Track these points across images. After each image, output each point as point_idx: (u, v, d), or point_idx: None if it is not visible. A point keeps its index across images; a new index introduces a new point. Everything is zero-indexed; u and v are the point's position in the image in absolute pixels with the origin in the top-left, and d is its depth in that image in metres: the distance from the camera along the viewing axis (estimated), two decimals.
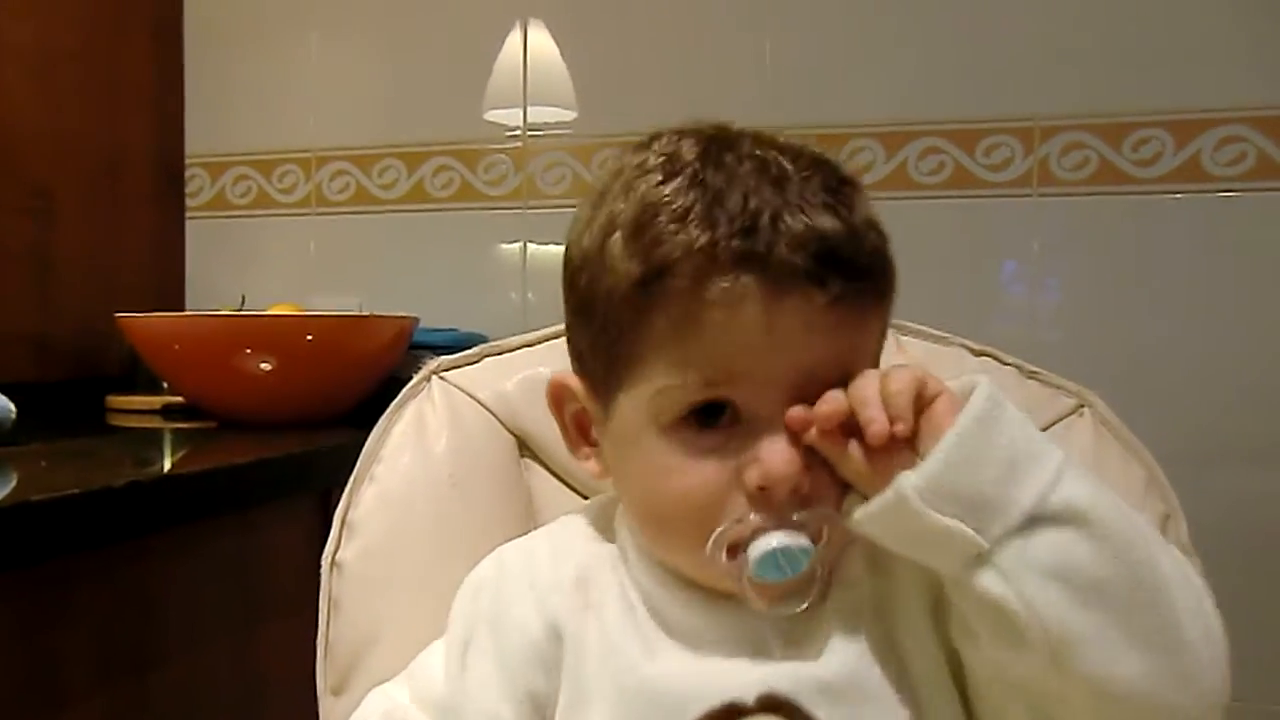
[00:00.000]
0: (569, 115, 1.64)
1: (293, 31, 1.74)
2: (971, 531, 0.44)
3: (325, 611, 0.63)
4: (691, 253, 0.47)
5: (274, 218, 1.75)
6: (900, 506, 0.44)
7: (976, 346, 0.69)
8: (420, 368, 1.48)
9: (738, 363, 0.48)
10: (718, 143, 0.51)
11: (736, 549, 0.48)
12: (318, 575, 1.11)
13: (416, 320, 1.40)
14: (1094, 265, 1.48)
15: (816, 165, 0.50)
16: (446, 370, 0.70)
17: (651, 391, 0.50)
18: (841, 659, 0.49)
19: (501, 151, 1.66)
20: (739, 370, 0.48)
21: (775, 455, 0.47)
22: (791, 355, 0.48)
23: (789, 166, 0.49)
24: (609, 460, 0.55)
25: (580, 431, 0.57)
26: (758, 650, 0.50)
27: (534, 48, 1.65)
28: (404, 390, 0.69)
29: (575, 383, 0.56)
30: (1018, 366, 0.69)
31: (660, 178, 0.49)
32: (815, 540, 0.48)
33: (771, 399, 0.48)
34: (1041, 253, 1.51)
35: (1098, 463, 0.64)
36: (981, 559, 0.44)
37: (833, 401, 0.47)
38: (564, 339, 0.69)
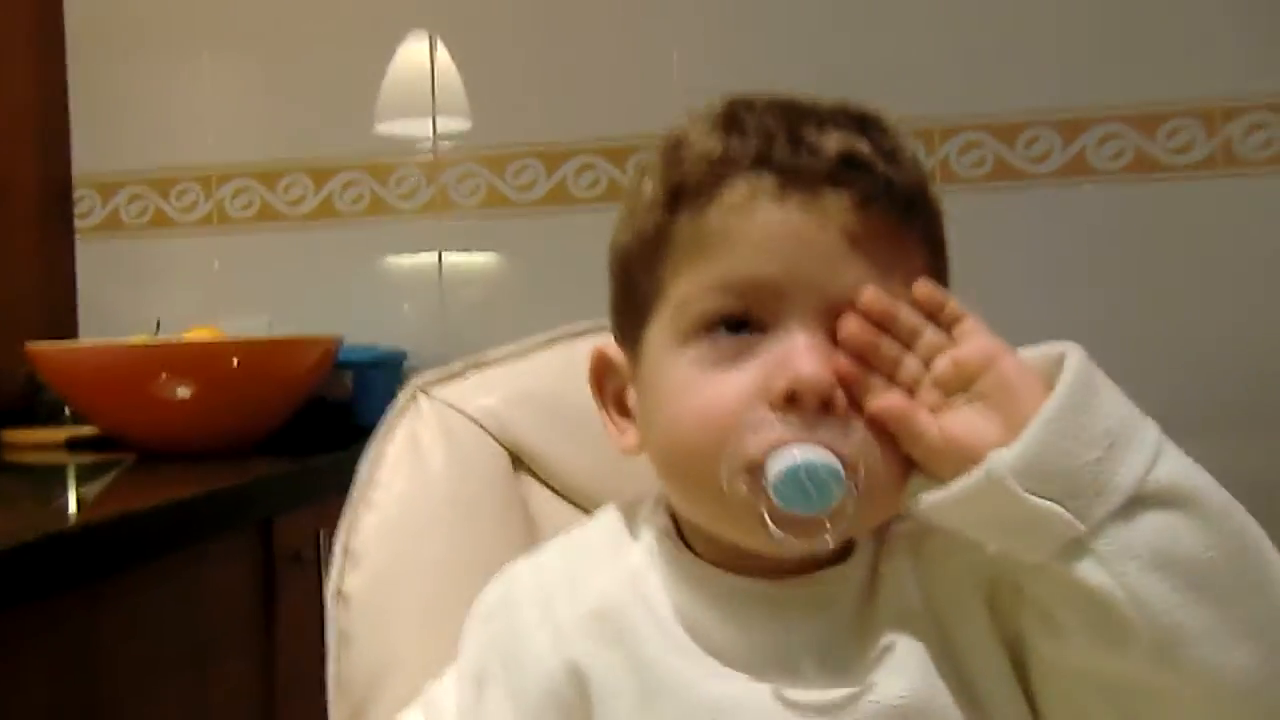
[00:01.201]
0: (480, 126, 1.63)
1: (183, 45, 1.67)
2: (1070, 515, 0.40)
3: (333, 646, 0.61)
4: (709, 161, 0.47)
5: (173, 238, 1.67)
6: (993, 489, 0.40)
7: None
8: (342, 387, 1.46)
9: (758, 267, 0.45)
10: (747, 93, 0.50)
11: (756, 469, 0.43)
12: (265, 609, 1.08)
13: (341, 339, 1.37)
14: (996, 259, 1.54)
15: (846, 106, 0.49)
16: (432, 386, 0.68)
17: (673, 308, 0.48)
18: (907, 680, 0.45)
19: (412, 164, 1.63)
20: (760, 276, 0.45)
21: (804, 356, 0.43)
22: (815, 262, 0.45)
23: (816, 104, 0.49)
24: (640, 418, 0.52)
25: (618, 405, 0.54)
26: (814, 670, 0.46)
27: (438, 60, 1.63)
28: (391, 411, 0.68)
29: (614, 351, 0.54)
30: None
31: (687, 120, 0.50)
32: (851, 470, 0.43)
33: (797, 309, 0.45)
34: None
35: None
36: (1078, 545, 0.40)
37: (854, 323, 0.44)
38: (549, 349, 0.70)
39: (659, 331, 0.49)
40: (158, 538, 0.88)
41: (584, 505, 0.67)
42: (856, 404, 0.44)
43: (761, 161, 0.46)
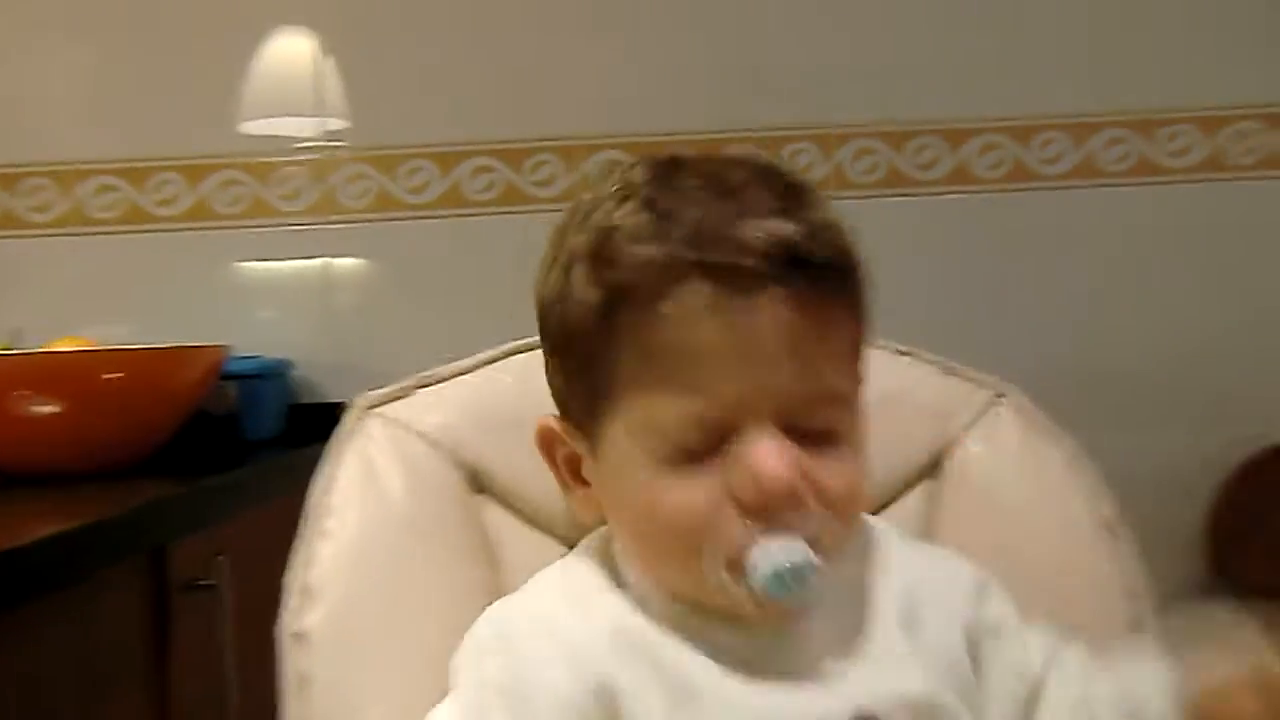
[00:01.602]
0: (369, 125, 1.56)
1: (33, 26, 1.53)
2: None
3: (291, 689, 0.56)
4: (646, 268, 0.47)
5: (23, 239, 1.53)
6: None
7: (902, 348, 0.72)
8: (226, 400, 1.37)
9: (714, 381, 0.47)
10: (666, 166, 0.51)
11: (737, 566, 0.47)
12: (158, 643, 0.99)
13: (229, 349, 1.28)
14: (891, 264, 1.57)
15: (765, 174, 0.51)
16: (380, 405, 0.64)
17: (639, 424, 0.49)
18: (922, 675, 0.50)
19: (296, 164, 1.55)
20: (717, 388, 0.47)
21: (766, 461, 0.47)
22: (762, 361, 0.47)
23: (739, 182, 0.49)
24: (602, 495, 0.54)
25: (572, 473, 0.55)
26: (831, 670, 0.50)
27: (323, 55, 1.55)
28: (337, 433, 0.63)
29: (559, 425, 0.55)
30: (939, 364, 0.72)
31: (613, 204, 0.50)
32: (815, 548, 0.47)
33: (753, 413, 0.48)
34: None
35: (1026, 447, 0.68)
36: None
37: None
38: (503, 363, 0.67)
39: (620, 434, 0.50)
40: (47, 573, 0.80)
41: (545, 525, 0.65)
42: (813, 484, 0.48)
43: (697, 268, 0.47)
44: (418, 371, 0.67)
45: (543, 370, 0.64)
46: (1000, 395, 0.71)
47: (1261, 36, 1.57)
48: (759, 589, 0.47)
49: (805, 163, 1.56)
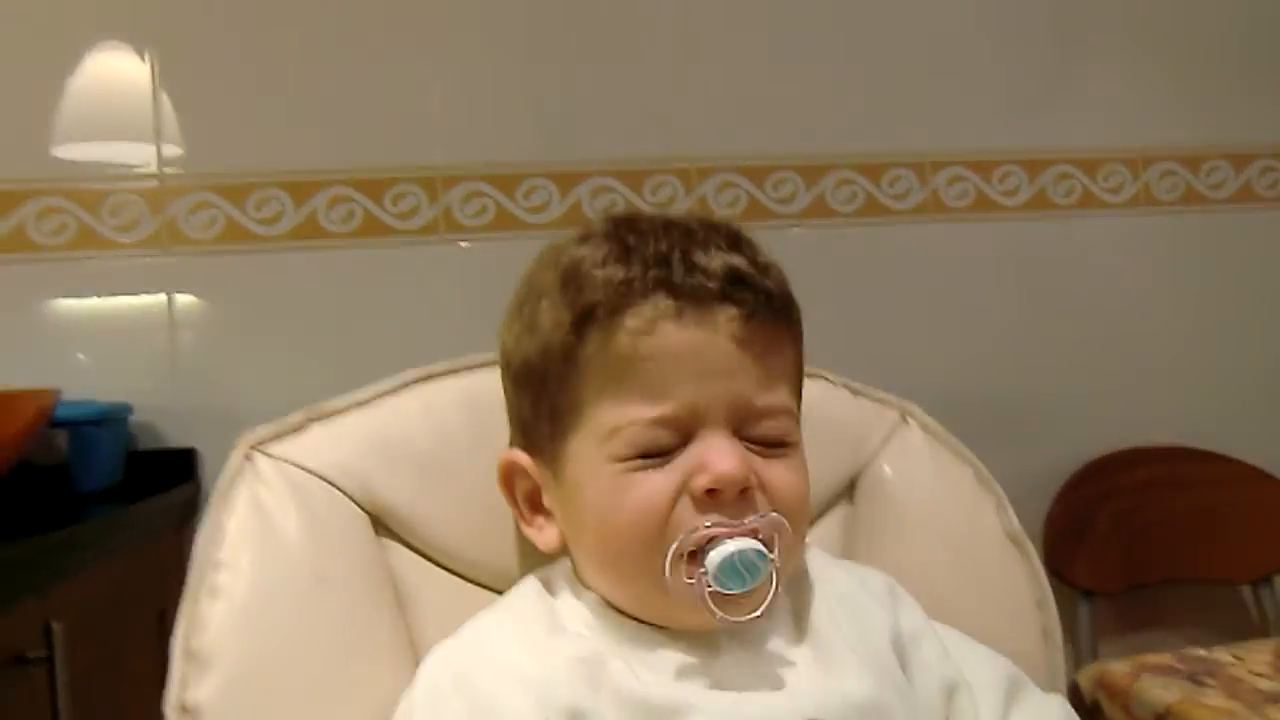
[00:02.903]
0: (214, 151, 1.45)
1: None
2: None
3: None
4: (612, 287, 0.51)
5: None
6: None
7: (811, 369, 0.71)
8: (55, 449, 1.24)
9: (672, 384, 0.51)
10: (625, 217, 0.56)
11: (694, 564, 0.49)
12: None
13: (57, 393, 1.16)
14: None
15: (716, 225, 0.56)
16: (268, 444, 0.58)
17: (603, 433, 0.52)
18: (863, 679, 0.51)
19: (131, 191, 1.43)
20: (675, 391, 0.51)
21: (721, 456, 0.50)
22: (718, 369, 0.51)
23: (693, 225, 0.55)
24: (562, 519, 0.55)
25: (532, 506, 0.57)
26: (782, 680, 0.51)
27: (159, 77, 1.44)
28: (223, 476, 0.56)
29: (523, 458, 0.56)
30: (847, 386, 0.72)
31: (577, 243, 0.55)
32: (769, 547, 0.50)
33: (709, 416, 0.51)
34: None
35: (933, 464, 0.69)
36: None
37: None
38: (401, 395, 0.63)
39: (584, 445, 0.53)
40: None
41: (453, 566, 0.61)
42: (762, 484, 0.52)
43: (659, 285, 0.51)
44: (268, 416, 0.61)
45: (448, 400, 0.63)
46: (906, 414, 0.71)
47: (1069, 85, 1.69)
48: (712, 579, 0.49)
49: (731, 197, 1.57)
